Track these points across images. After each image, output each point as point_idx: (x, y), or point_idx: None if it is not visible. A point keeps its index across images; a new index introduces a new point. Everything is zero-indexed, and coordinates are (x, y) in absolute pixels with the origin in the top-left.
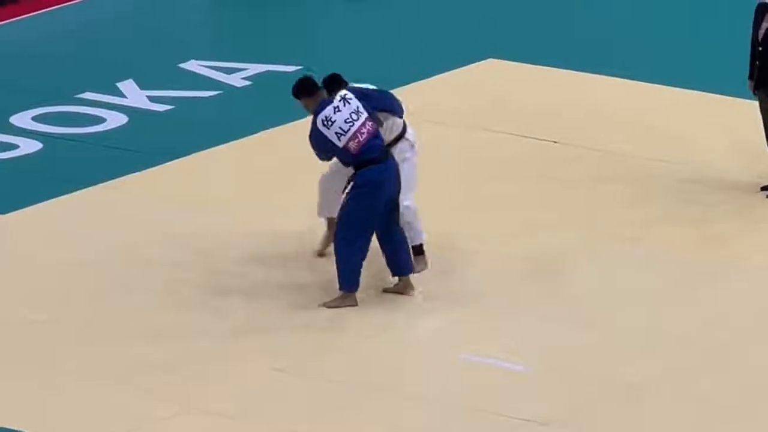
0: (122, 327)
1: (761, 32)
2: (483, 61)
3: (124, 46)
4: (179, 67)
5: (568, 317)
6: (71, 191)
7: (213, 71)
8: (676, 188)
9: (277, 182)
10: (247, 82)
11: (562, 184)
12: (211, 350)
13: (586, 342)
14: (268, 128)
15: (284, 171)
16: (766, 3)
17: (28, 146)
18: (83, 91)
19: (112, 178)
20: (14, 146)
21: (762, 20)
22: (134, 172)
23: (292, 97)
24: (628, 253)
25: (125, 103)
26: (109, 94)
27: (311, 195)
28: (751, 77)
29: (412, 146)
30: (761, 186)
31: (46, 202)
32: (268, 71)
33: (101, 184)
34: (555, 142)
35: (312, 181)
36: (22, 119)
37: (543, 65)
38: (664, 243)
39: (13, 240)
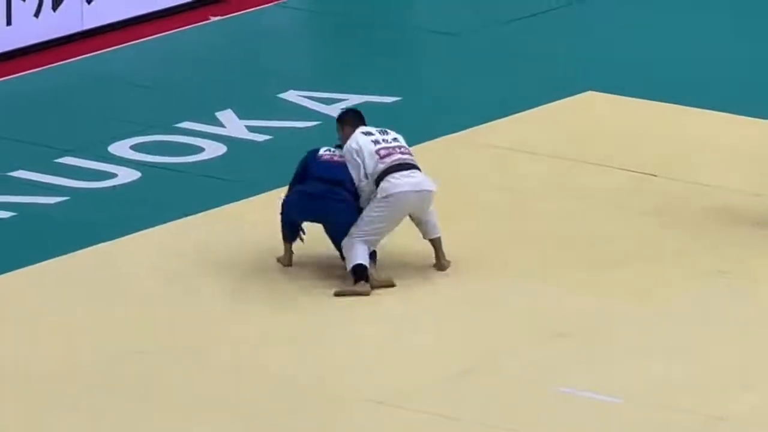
0: (230, 357)
1: None
2: (582, 94)
3: (223, 76)
4: (278, 97)
5: (662, 349)
6: (169, 220)
7: (312, 102)
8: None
9: None
10: None
11: (658, 216)
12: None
13: (680, 374)
14: None
15: None
16: None
17: (127, 175)
18: (182, 121)
19: (211, 208)
20: (113, 175)
21: None
22: (232, 201)
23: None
24: (722, 286)
25: (224, 133)
26: (207, 124)
27: (405, 226)
28: None
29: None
30: None
31: (144, 231)
32: (367, 102)
33: (199, 214)
34: (654, 175)
35: None
36: (120, 148)
37: (642, 98)
38: (756, 276)
39: (114, 268)
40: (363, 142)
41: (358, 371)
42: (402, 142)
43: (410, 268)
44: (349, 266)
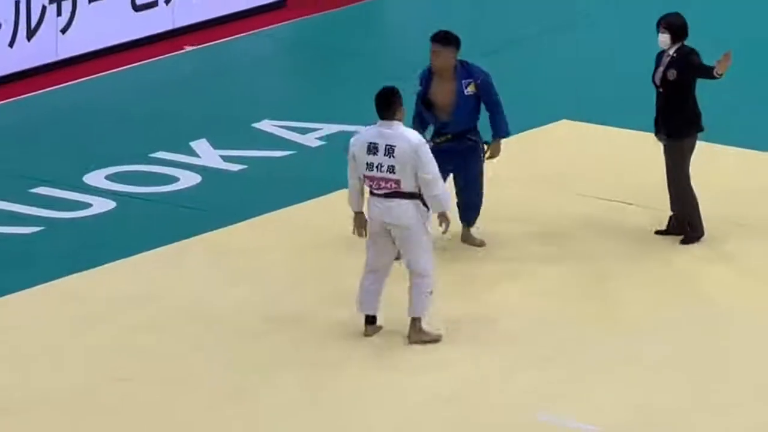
0: (202, 386)
1: (658, 76)
2: (557, 122)
3: (197, 106)
4: (253, 126)
5: (645, 379)
6: (144, 250)
7: (287, 131)
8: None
9: (349, 243)
10: (321, 142)
11: (635, 243)
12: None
13: (666, 405)
14: (342, 188)
15: None
16: (659, 51)
17: (102, 205)
18: (157, 151)
19: (185, 238)
20: (88, 205)
21: (659, 65)
22: (207, 231)
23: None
24: (702, 314)
25: (198, 163)
26: (182, 154)
27: None
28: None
29: None
30: (655, 230)
31: (119, 261)
32: (342, 131)
33: (174, 244)
34: (630, 204)
35: None
36: (95, 178)
37: (617, 126)
38: (729, 305)
39: (85, 299)
40: (360, 159)
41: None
42: (397, 168)
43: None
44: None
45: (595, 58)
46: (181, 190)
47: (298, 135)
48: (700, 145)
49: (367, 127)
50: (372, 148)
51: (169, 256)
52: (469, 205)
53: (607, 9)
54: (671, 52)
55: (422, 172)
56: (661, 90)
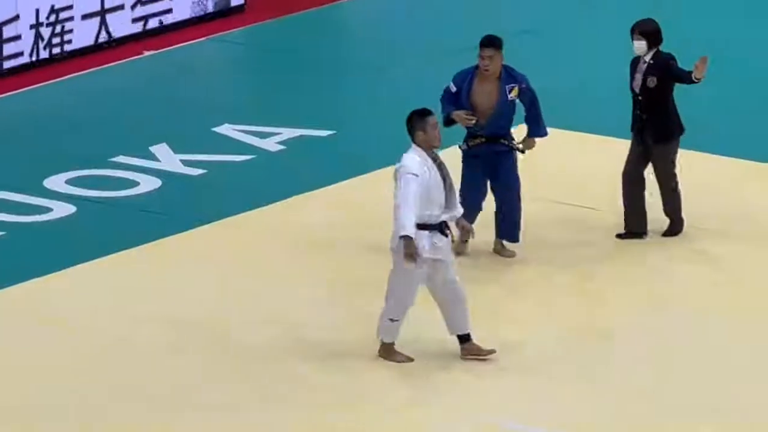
0: (165, 394)
1: (637, 83)
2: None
3: (157, 110)
4: (213, 131)
5: (617, 387)
6: (104, 255)
7: (247, 135)
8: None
9: (310, 247)
10: (281, 147)
11: (596, 249)
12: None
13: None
14: (301, 193)
15: (317, 235)
16: (635, 57)
17: (62, 210)
18: (117, 155)
19: (145, 242)
20: (48, 209)
21: (635, 71)
22: (167, 235)
23: (327, 162)
24: (671, 319)
25: (159, 167)
26: (142, 158)
27: (345, 258)
28: (632, 128)
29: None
30: (616, 234)
31: (79, 265)
32: (301, 136)
33: (134, 248)
34: (593, 208)
35: (345, 244)
36: (55, 182)
37: (588, 133)
38: (696, 307)
39: (45, 304)
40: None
41: None
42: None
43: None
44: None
45: (557, 63)
46: (141, 194)
47: (258, 139)
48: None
49: None
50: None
51: (129, 261)
52: (509, 219)
53: (574, 14)
54: (647, 58)
55: (398, 188)
56: (640, 98)
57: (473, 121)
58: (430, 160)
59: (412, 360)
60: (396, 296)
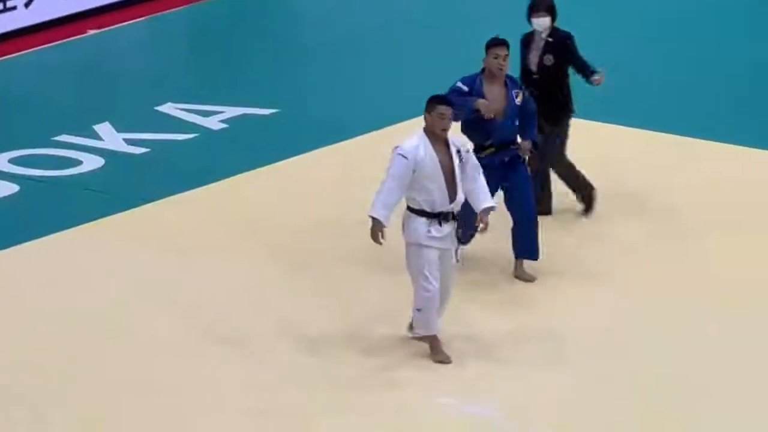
0: (102, 375)
1: (533, 61)
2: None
3: (100, 89)
4: (156, 110)
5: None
6: (47, 234)
7: (189, 114)
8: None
9: (253, 225)
10: (224, 125)
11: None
12: (196, 402)
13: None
14: (245, 171)
15: (261, 214)
16: (531, 33)
17: (5, 189)
18: (59, 134)
19: (89, 221)
20: None
21: (530, 49)
22: (110, 214)
23: (270, 140)
24: (613, 301)
25: (102, 146)
26: (85, 137)
27: (287, 237)
28: None
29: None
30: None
31: (22, 245)
32: (244, 114)
33: (77, 227)
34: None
35: (287, 222)
36: None
37: None
38: (640, 291)
39: None
40: None
41: None
42: None
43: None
44: None
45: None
46: (84, 173)
47: (200, 118)
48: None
49: None
50: None
51: (73, 239)
52: (525, 235)
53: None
54: (545, 35)
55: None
56: (535, 76)
57: (492, 114)
58: (430, 147)
59: (449, 362)
60: (415, 284)
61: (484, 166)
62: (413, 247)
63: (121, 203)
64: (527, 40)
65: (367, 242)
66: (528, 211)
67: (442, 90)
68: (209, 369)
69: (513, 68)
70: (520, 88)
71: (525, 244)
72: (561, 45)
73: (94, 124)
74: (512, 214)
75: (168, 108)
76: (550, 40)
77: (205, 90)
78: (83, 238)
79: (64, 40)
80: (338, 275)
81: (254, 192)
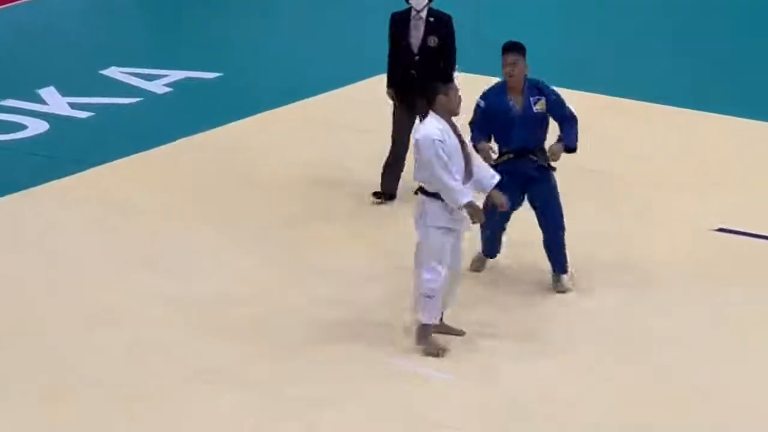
0: (45, 342)
1: (415, 43)
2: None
3: (44, 53)
4: (100, 73)
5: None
6: None
7: (134, 78)
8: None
9: (197, 189)
10: (168, 89)
11: None
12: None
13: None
14: (189, 135)
15: (206, 177)
16: (400, 12)
17: None
18: (4, 98)
19: (34, 185)
20: None
21: (408, 28)
22: (56, 179)
23: (214, 104)
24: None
25: (46, 110)
26: (30, 101)
27: (231, 201)
28: (393, 85)
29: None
30: (373, 192)
31: None
32: (188, 78)
33: (23, 191)
34: None
35: (233, 187)
36: None
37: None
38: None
39: None
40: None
41: None
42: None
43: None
44: None
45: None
46: (29, 137)
47: (145, 82)
48: None
49: None
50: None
51: (18, 204)
52: (553, 245)
53: None
54: (424, 15)
55: (422, 169)
56: (417, 57)
57: (493, 158)
58: (449, 127)
59: (463, 333)
60: (426, 270)
61: (503, 172)
62: (436, 230)
63: (66, 167)
64: (403, 19)
65: (308, 203)
66: (554, 229)
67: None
68: (158, 330)
69: (382, 47)
70: (545, 95)
71: (552, 258)
72: (444, 27)
73: (39, 88)
74: (544, 232)
75: (112, 72)
76: (432, 19)
77: (149, 54)
78: (29, 202)
79: (8, 5)
80: (279, 236)
81: (199, 156)
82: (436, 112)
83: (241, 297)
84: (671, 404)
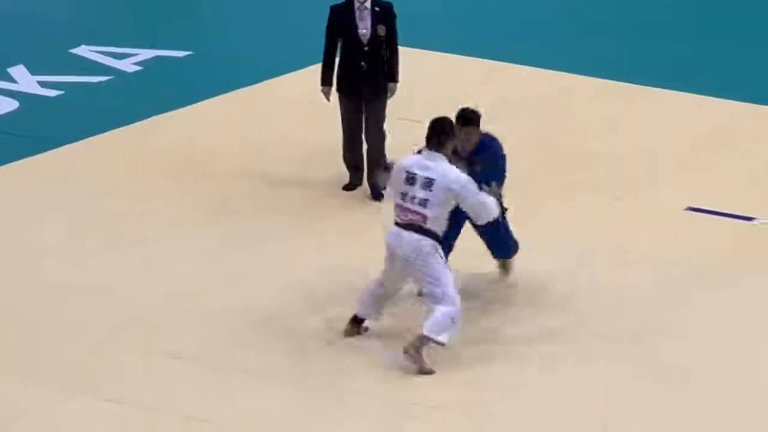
0: (19, 318)
1: (365, 33)
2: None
3: (14, 31)
4: (70, 52)
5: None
6: None
7: (104, 56)
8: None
9: (166, 168)
10: (138, 68)
11: None
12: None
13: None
14: (159, 113)
15: (175, 155)
16: (339, 4)
17: None
18: None
19: (4, 164)
20: None
21: (354, 19)
22: (25, 157)
23: (184, 83)
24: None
25: (16, 89)
26: None
27: (200, 180)
28: (327, 83)
29: None
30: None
31: None
32: (157, 56)
33: None
34: (419, 121)
35: (202, 166)
36: None
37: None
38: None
39: None
40: (397, 184)
41: None
42: (430, 203)
43: None
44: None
45: None
46: None
47: (115, 60)
48: None
49: (415, 153)
50: (410, 179)
51: None
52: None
53: None
54: (368, 4)
55: (471, 203)
56: (367, 48)
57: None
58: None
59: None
60: (450, 296)
61: None
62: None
63: (36, 145)
64: (348, 10)
65: (280, 180)
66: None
67: None
68: (130, 309)
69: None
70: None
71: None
72: (388, 15)
73: (8, 66)
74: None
75: (82, 50)
76: (377, 9)
77: (119, 32)
78: None
79: None
80: (255, 219)
81: (169, 134)
82: (445, 154)
83: (212, 280)
84: (669, 397)
